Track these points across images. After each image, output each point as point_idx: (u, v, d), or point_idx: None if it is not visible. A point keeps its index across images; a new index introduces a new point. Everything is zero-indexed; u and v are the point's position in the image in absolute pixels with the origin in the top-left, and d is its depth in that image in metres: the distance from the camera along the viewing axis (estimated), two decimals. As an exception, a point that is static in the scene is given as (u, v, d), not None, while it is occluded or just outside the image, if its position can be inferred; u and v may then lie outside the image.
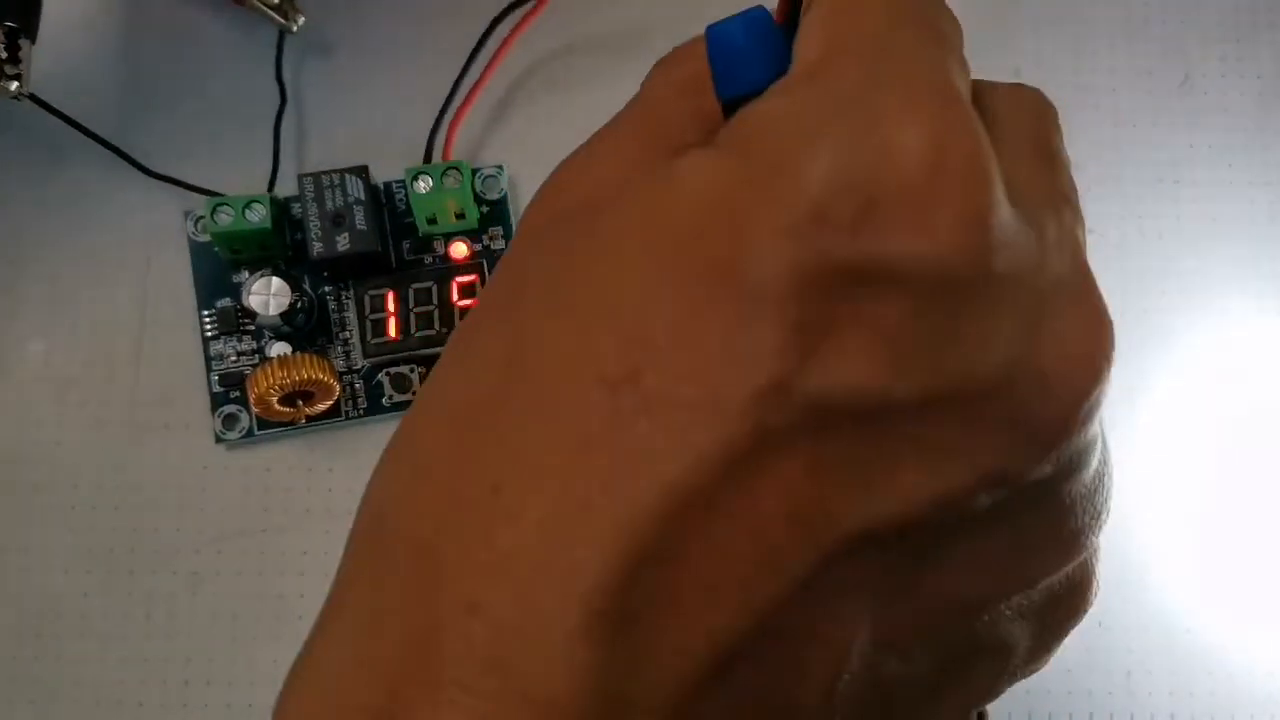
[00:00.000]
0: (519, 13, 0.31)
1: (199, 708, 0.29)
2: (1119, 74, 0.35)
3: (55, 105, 0.30)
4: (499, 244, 0.32)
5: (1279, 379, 0.33)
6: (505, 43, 0.32)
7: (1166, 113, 0.34)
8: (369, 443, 0.31)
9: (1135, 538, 0.32)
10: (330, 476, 0.31)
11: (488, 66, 0.32)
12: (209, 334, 0.31)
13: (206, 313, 0.31)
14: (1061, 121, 0.34)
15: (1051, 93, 0.37)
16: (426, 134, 0.31)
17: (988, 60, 0.36)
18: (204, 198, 0.30)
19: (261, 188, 0.31)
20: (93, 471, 0.31)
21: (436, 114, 0.31)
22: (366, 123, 0.33)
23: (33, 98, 0.30)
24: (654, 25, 0.34)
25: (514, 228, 0.32)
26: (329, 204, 0.30)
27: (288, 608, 0.30)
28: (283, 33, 0.32)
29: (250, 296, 0.29)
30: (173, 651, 0.30)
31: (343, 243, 0.30)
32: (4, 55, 0.29)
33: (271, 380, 0.28)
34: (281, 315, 0.29)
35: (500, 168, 0.32)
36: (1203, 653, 0.31)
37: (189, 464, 0.31)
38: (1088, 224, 0.36)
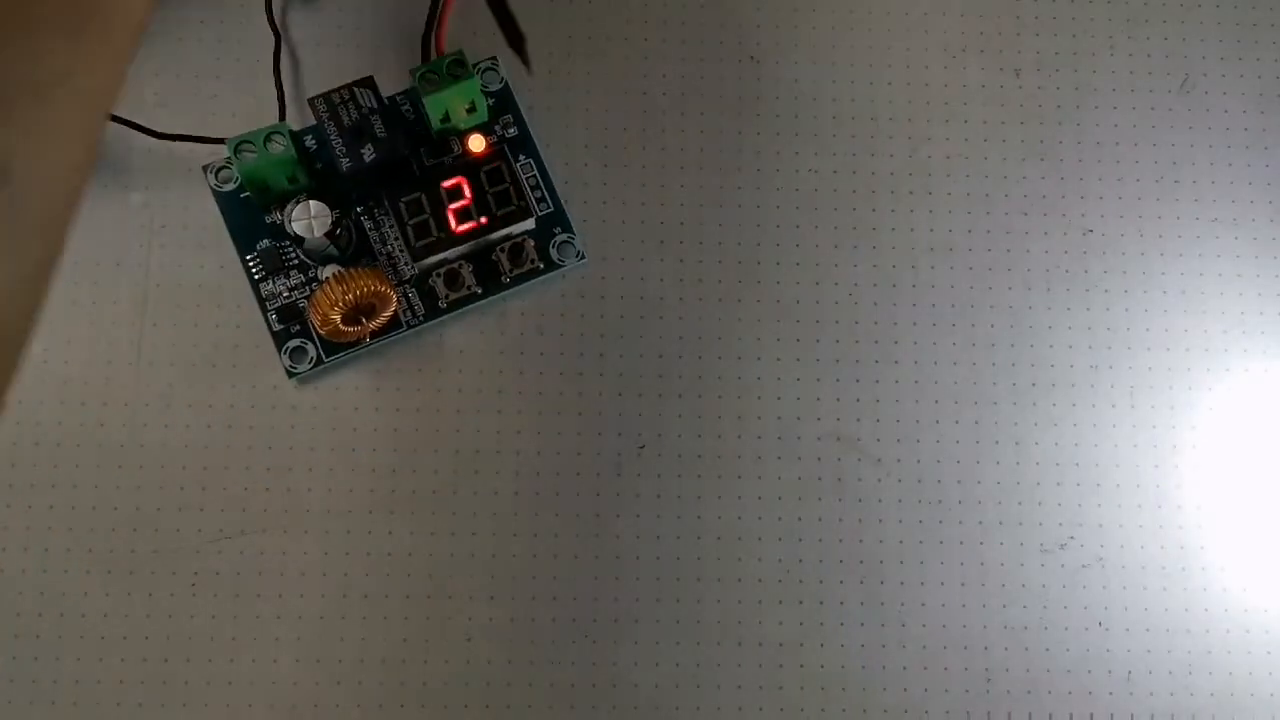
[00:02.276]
0: None
1: (199, 707, 0.29)
2: (1119, 74, 0.35)
3: None
4: (514, 130, 0.32)
5: (1277, 379, 0.33)
6: None
7: (1166, 113, 0.34)
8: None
9: (1134, 539, 0.32)
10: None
11: None
12: (256, 276, 0.31)
13: (249, 257, 0.31)
14: (1061, 121, 0.34)
15: (1051, 93, 0.37)
16: (416, 45, 0.32)
17: (988, 60, 0.36)
18: (219, 149, 0.31)
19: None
20: (93, 471, 0.31)
21: (426, 17, 0.32)
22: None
23: None
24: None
25: (524, 114, 0.33)
26: (345, 119, 0.30)
27: (288, 608, 0.30)
28: None
29: (294, 224, 0.30)
30: (173, 651, 0.30)
31: (369, 154, 0.30)
32: None
33: (334, 298, 0.28)
34: (327, 235, 0.30)
35: (494, 58, 0.33)
36: (1203, 653, 0.31)
37: (192, 462, 0.31)
38: (1087, 224, 0.36)
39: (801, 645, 0.31)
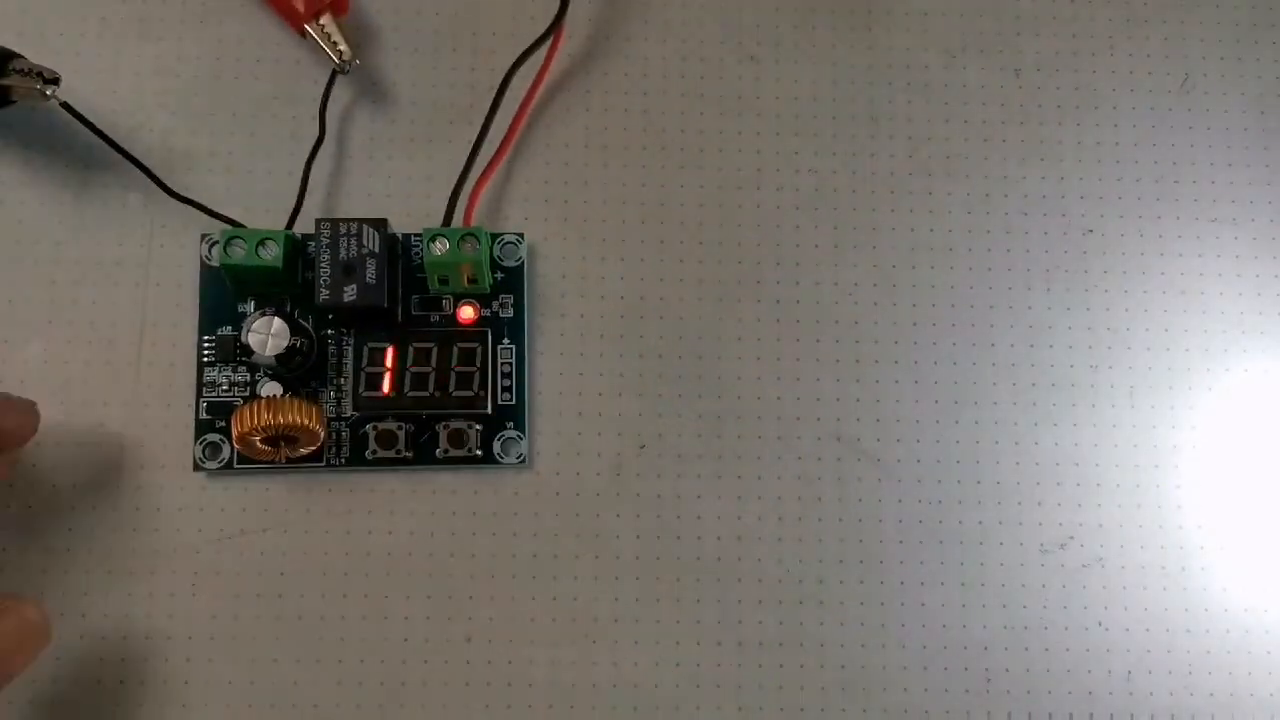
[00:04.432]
0: (534, 77, 0.32)
1: (199, 707, 0.29)
2: (1119, 74, 0.35)
3: (96, 115, 0.30)
4: (509, 312, 0.31)
5: (1276, 379, 0.33)
6: (523, 107, 0.32)
7: (1166, 113, 0.34)
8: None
9: (1134, 539, 0.32)
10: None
11: (509, 132, 0.32)
12: (205, 359, 0.31)
13: (206, 338, 0.31)
14: (1061, 121, 0.34)
15: (1051, 93, 0.37)
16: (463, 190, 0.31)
17: (988, 60, 0.36)
18: (222, 223, 0.30)
19: (283, 221, 0.31)
20: (93, 471, 0.31)
21: (461, 171, 0.31)
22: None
23: (66, 107, 0.30)
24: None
25: (527, 296, 0.32)
26: (342, 252, 0.29)
27: (288, 607, 0.30)
28: (335, 72, 0.32)
29: (249, 334, 0.29)
30: (172, 651, 0.30)
31: (350, 294, 0.29)
32: (43, 68, 0.29)
33: (256, 421, 0.28)
34: (277, 357, 0.29)
35: (521, 236, 0.32)
36: (1203, 653, 0.31)
37: (181, 473, 0.31)
38: (1087, 224, 0.36)
39: (801, 645, 0.31)
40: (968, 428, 0.32)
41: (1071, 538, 0.32)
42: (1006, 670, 0.31)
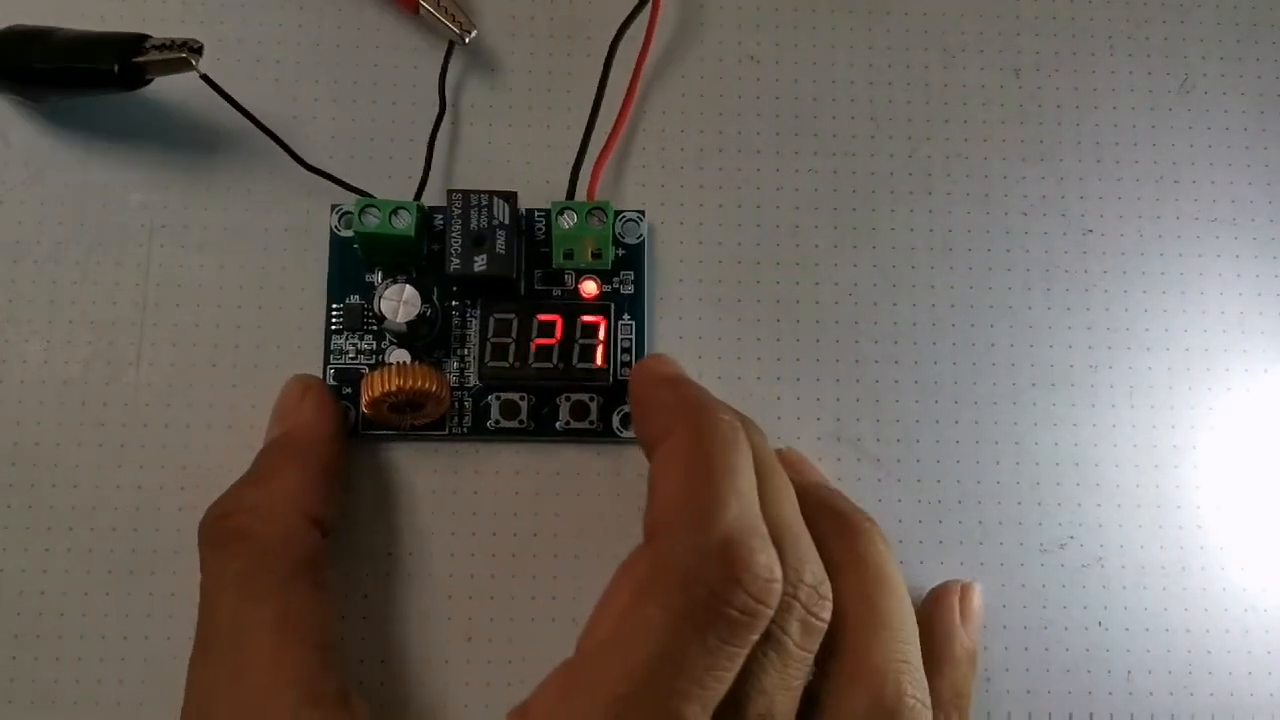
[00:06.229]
0: (639, 46, 0.33)
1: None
2: (1119, 74, 0.35)
3: (231, 93, 0.30)
4: (629, 289, 0.32)
5: (1277, 379, 0.33)
6: (634, 80, 0.32)
7: (1166, 113, 0.34)
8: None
9: (1134, 539, 0.32)
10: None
11: (623, 106, 0.32)
12: (334, 327, 0.31)
13: (335, 306, 0.31)
14: (1061, 122, 0.34)
15: (1051, 93, 0.37)
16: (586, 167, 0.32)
17: (988, 60, 0.36)
18: (351, 195, 0.31)
19: (406, 194, 0.31)
20: (93, 471, 0.31)
21: (577, 150, 0.32)
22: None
23: (206, 79, 0.29)
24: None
25: (647, 273, 0.32)
26: (473, 223, 0.30)
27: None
28: (452, 44, 0.32)
29: (382, 301, 0.29)
30: (174, 651, 0.30)
31: (480, 264, 0.30)
32: (184, 38, 0.29)
33: (388, 385, 0.28)
34: (408, 324, 0.30)
35: (641, 213, 0.32)
36: (1203, 653, 0.31)
37: (191, 462, 0.31)
38: (1087, 224, 0.36)
39: (801, 645, 0.31)
40: (968, 428, 0.32)
41: (1071, 538, 0.32)
42: (1006, 670, 0.31)
